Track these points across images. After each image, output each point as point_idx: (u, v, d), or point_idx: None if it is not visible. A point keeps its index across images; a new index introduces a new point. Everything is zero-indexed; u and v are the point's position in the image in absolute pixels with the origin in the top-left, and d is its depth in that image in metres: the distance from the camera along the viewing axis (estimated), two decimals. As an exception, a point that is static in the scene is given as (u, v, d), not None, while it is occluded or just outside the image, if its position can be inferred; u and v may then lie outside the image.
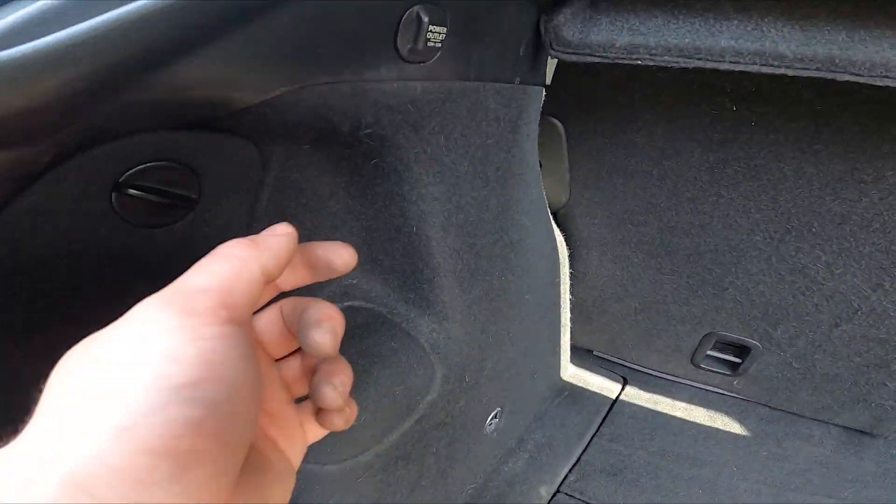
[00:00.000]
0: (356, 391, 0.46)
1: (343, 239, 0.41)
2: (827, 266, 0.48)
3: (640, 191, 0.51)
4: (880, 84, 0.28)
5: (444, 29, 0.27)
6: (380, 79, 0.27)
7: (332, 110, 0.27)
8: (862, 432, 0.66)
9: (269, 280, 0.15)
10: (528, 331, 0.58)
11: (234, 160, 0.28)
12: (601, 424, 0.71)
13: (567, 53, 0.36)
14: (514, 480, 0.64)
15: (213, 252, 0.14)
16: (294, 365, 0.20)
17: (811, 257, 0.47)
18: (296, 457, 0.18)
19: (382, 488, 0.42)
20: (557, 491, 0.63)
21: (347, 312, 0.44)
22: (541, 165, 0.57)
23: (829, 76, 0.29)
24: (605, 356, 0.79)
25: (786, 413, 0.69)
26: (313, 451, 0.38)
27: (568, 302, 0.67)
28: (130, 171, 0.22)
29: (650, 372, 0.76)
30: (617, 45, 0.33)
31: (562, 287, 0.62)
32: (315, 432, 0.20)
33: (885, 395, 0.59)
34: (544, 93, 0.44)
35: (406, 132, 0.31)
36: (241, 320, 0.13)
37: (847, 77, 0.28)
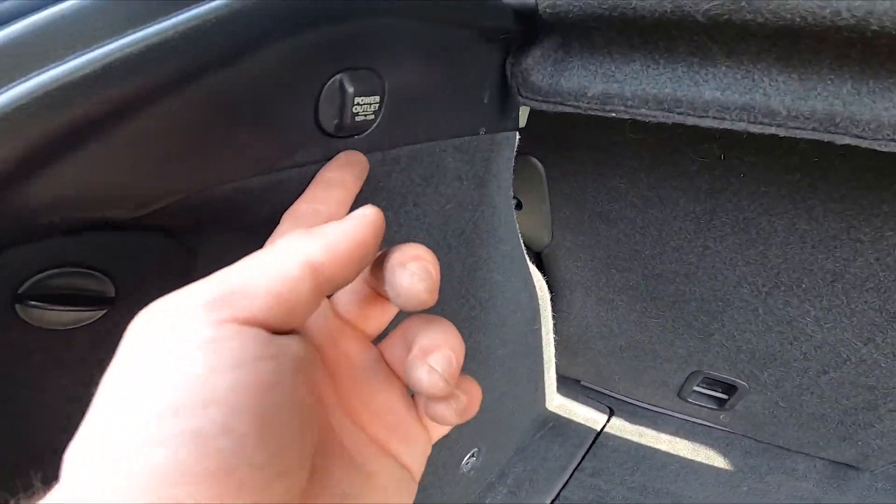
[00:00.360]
0: None
1: None
2: (816, 320, 0.45)
3: (624, 237, 0.48)
4: (884, 149, 0.24)
5: (376, 98, 0.23)
6: (303, 162, 0.23)
7: (252, 205, 0.23)
8: (848, 466, 0.65)
9: (326, 278, 0.11)
10: (505, 378, 0.55)
11: (150, 254, 0.24)
12: (583, 458, 0.70)
13: (537, 101, 0.32)
14: (494, 518, 0.63)
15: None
16: (398, 344, 0.16)
17: (800, 311, 0.45)
18: (415, 460, 0.15)
19: None
20: (537, 529, 0.62)
21: None
22: (521, 206, 0.54)
23: (828, 138, 0.24)
24: (592, 387, 0.77)
25: (771, 446, 0.68)
26: None
27: (552, 340, 0.65)
28: (29, 282, 0.19)
29: (637, 403, 0.75)
30: (589, 94, 0.29)
31: (544, 329, 0.59)
32: (439, 428, 0.16)
33: (873, 434, 0.57)
34: (518, 135, 0.40)
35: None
36: (257, 320, 0.10)
37: (847, 140, 0.24)
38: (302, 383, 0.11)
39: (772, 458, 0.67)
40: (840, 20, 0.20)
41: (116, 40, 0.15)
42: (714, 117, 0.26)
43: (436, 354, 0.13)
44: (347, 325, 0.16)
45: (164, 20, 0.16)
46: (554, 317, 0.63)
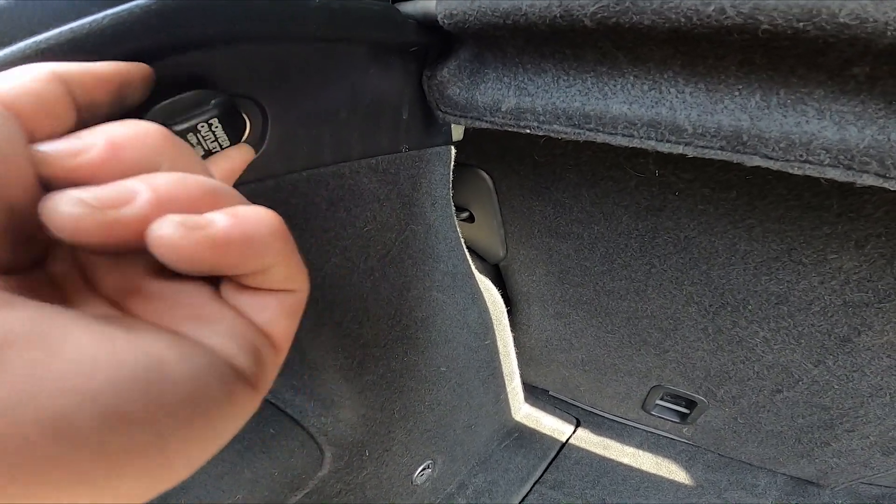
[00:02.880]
0: (232, 473, 0.41)
1: None
2: (765, 341, 0.44)
3: (573, 253, 0.47)
4: (797, 172, 0.22)
5: (249, 128, 0.22)
6: None
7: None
8: (808, 482, 0.64)
9: (77, 86, 0.12)
10: (454, 392, 0.54)
11: None
12: (546, 470, 0.69)
13: (455, 116, 0.30)
14: (451, 530, 0.62)
15: None
16: None
17: (748, 332, 0.44)
18: (228, 346, 0.11)
19: None
20: (492, 542, 0.61)
21: None
22: (473, 218, 0.52)
23: (736, 159, 0.22)
24: (560, 397, 0.77)
25: (733, 461, 0.67)
26: None
27: (512, 352, 0.63)
28: None
29: (603, 414, 0.74)
30: (503, 109, 0.28)
31: (500, 342, 0.58)
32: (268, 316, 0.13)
33: (830, 453, 0.57)
34: (454, 149, 0.39)
35: None
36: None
37: (757, 161, 0.22)
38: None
39: (732, 474, 0.66)
40: (727, 19, 0.18)
41: None
42: (623, 134, 0.25)
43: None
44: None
45: None
46: (514, 329, 0.62)
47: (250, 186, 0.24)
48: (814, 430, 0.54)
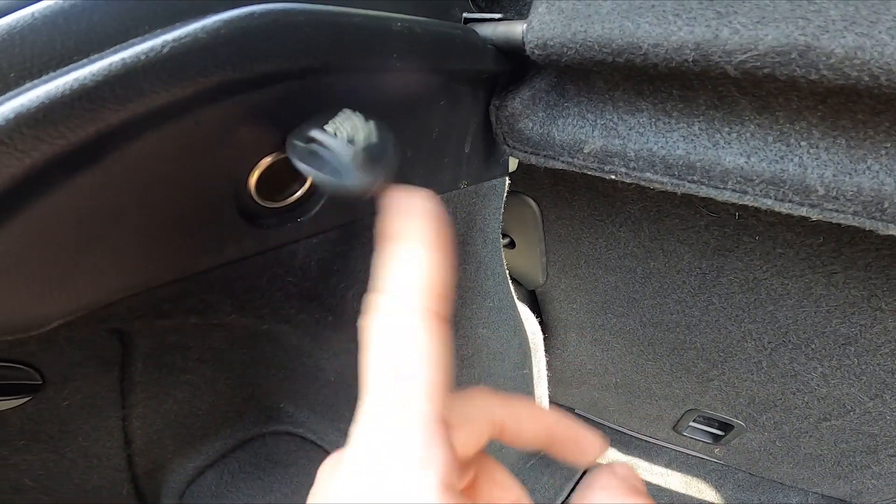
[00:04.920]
0: None
1: (250, 377, 0.35)
2: (823, 376, 0.43)
3: (622, 285, 0.45)
4: None
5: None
6: (229, 260, 0.19)
7: (173, 309, 0.19)
8: (842, 501, 0.65)
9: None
10: None
11: (79, 344, 0.21)
12: (572, 490, 0.69)
13: (525, 153, 0.28)
14: (481, 557, 0.62)
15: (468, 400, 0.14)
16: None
17: (806, 367, 0.43)
18: None
19: None
20: (524, 567, 0.61)
21: (273, 439, 0.38)
22: (514, 244, 0.50)
23: (869, 226, 0.20)
24: (587, 416, 0.76)
25: (764, 480, 0.67)
26: None
27: (545, 377, 0.62)
28: None
29: (632, 434, 0.74)
30: (586, 151, 0.25)
31: (535, 369, 0.57)
32: None
33: (869, 475, 0.56)
34: (508, 179, 0.36)
35: (295, 303, 0.24)
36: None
37: (894, 230, 0.20)
38: None
39: (764, 493, 0.67)
40: (818, 70, 0.16)
41: None
42: (734, 190, 0.22)
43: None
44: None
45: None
46: (547, 352, 0.60)
47: (312, 241, 0.22)
48: (856, 454, 0.54)
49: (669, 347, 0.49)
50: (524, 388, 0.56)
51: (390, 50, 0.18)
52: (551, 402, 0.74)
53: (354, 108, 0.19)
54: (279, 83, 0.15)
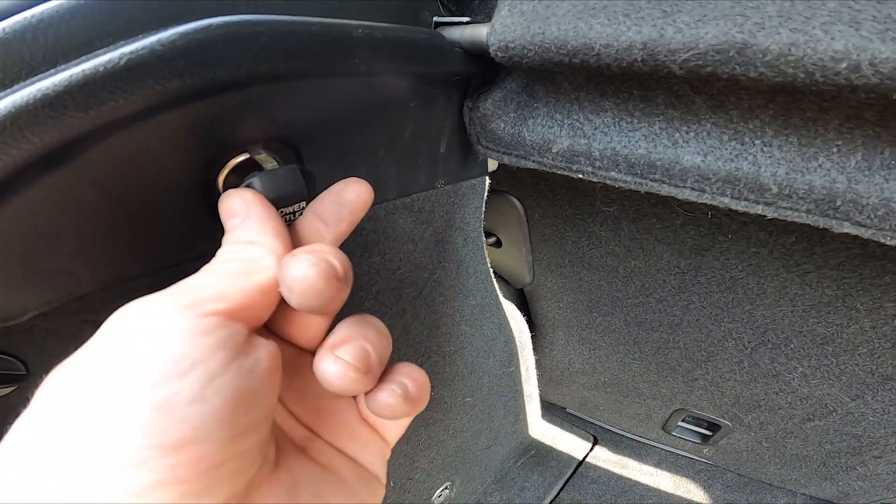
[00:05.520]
0: None
1: None
2: (803, 376, 0.43)
3: (606, 284, 0.45)
4: (890, 243, 0.20)
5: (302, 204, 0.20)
6: (199, 254, 0.20)
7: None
8: (828, 502, 0.65)
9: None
10: (477, 419, 0.54)
11: (61, 335, 0.22)
12: (562, 488, 0.70)
13: (498, 152, 0.28)
14: (468, 550, 0.63)
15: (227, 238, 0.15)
16: None
17: (787, 367, 0.43)
18: (372, 461, 0.16)
19: None
20: (510, 563, 0.62)
21: None
22: (500, 244, 0.51)
23: (823, 223, 0.21)
24: (578, 414, 0.76)
25: (752, 481, 0.68)
26: None
27: (533, 375, 0.63)
28: None
29: (620, 432, 0.74)
30: (554, 150, 0.26)
31: (523, 367, 0.57)
32: (393, 429, 0.17)
33: (855, 476, 0.57)
34: (488, 179, 0.37)
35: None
36: (241, 313, 0.13)
37: (848, 228, 0.20)
38: (271, 378, 0.13)
39: (752, 493, 0.67)
40: (859, 78, 0.16)
41: None
42: (692, 188, 0.23)
43: (345, 346, 0.14)
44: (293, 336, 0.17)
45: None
46: (536, 351, 0.61)
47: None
48: (841, 455, 0.54)
49: (654, 347, 0.50)
50: (511, 385, 0.57)
51: (352, 55, 0.19)
52: (542, 400, 0.74)
53: (323, 111, 0.20)
54: (244, 88, 0.16)
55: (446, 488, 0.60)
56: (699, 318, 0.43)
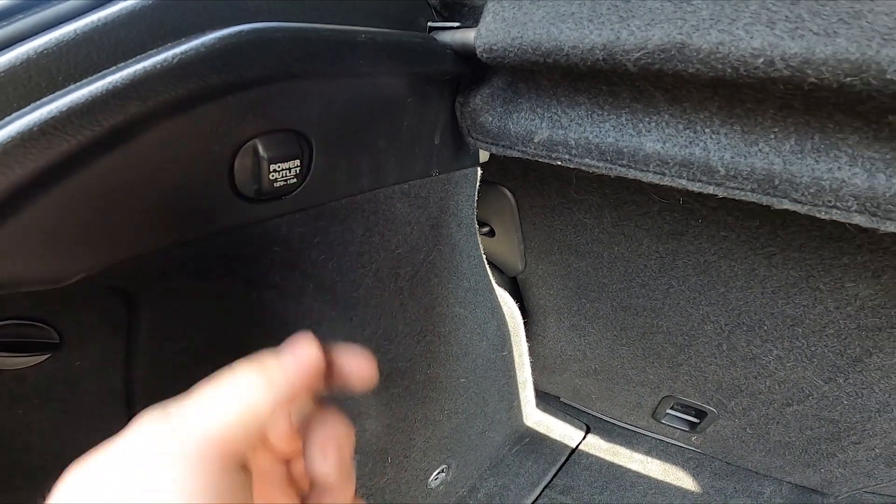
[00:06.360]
0: None
1: (240, 349, 0.39)
2: (778, 359, 0.46)
3: (592, 270, 0.49)
4: (824, 216, 0.23)
5: (296, 162, 0.24)
6: (222, 227, 0.23)
7: (178, 268, 0.24)
8: (813, 490, 0.67)
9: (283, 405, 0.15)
10: (472, 401, 0.57)
11: (92, 306, 0.25)
12: (555, 475, 0.72)
13: (486, 143, 0.32)
14: (462, 532, 0.65)
15: (223, 380, 0.15)
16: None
17: (762, 350, 0.46)
18: None
19: None
20: (502, 544, 0.64)
21: None
22: (494, 233, 0.54)
23: (766, 201, 0.24)
24: (571, 404, 0.79)
25: (739, 469, 0.70)
26: None
27: (526, 362, 0.66)
28: None
29: (612, 421, 0.77)
30: (536, 140, 0.29)
31: (516, 352, 0.60)
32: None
33: (836, 463, 0.59)
34: (480, 170, 0.40)
35: (278, 270, 0.28)
36: (237, 456, 0.14)
37: (787, 204, 0.23)
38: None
39: (739, 481, 0.69)
40: (774, 71, 0.19)
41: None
42: (654, 172, 0.26)
43: (332, 443, 0.16)
44: (268, 445, 0.18)
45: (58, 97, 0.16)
46: (529, 339, 0.64)
47: (294, 216, 0.26)
48: (821, 441, 0.56)
49: (639, 332, 0.53)
50: (504, 370, 0.60)
51: (356, 57, 0.23)
52: (537, 390, 0.77)
53: (331, 106, 0.24)
54: (265, 85, 0.20)
55: (442, 471, 0.63)
56: (679, 301, 0.46)
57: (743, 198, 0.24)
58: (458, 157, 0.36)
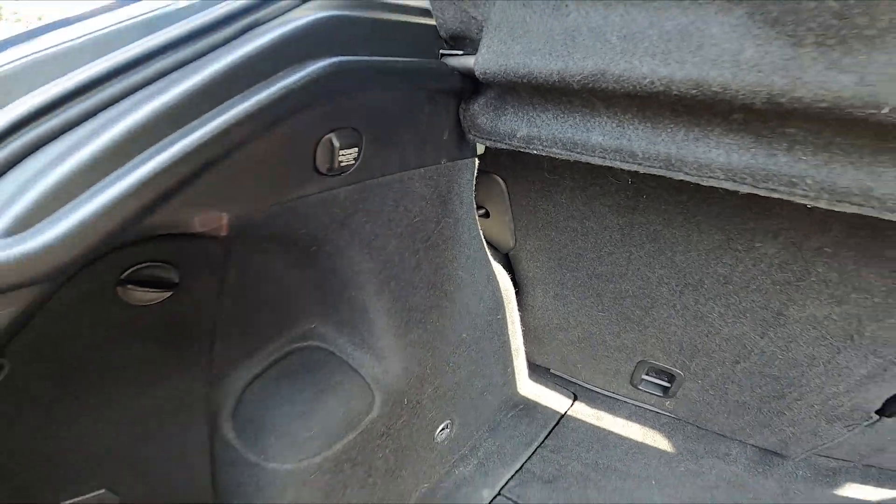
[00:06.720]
0: (310, 413, 0.57)
1: (298, 295, 0.52)
2: (721, 315, 0.57)
3: (570, 242, 0.60)
4: (706, 184, 0.35)
5: (355, 150, 0.36)
6: (303, 195, 0.36)
7: (272, 223, 0.36)
8: (773, 453, 0.75)
9: None
10: (472, 359, 0.67)
11: (202, 253, 0.38)
12: (547, 436, 0.81)
13: (482, 139, 0.45)
14: (462, 483, 0.74)
15: None
16: None
17: (707, 308, 0.57)
18: None
19: (333, 484, 0.53)
20: (498, 494, 0.73)
21: (306, 352, 0.54)
22: (489, 215, 0.66)
23: (670, 174, 0.36)
24: (559, 374, 0.89)
25: (710, 432, 0.79)
26: (272, 452, 0.50)
27: (518, 330, 0.76)
28: (127, 272, 0.32)
29: (597, 390, 0.86)
30: (518, 136, 0.42)
31: (508, 319, 0.71)
32: None
33: (786, 422, 0.68)
34: (477, 161, 0.53)
35: (334, 228, 0.41)
36: None
37: (682, 176, 0.35)
38: None
39: (708, 444, 0.78)
40: (655, 88, 0.31)
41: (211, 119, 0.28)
42: (600, 157, 0.38)
43: None
44: None
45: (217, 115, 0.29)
46: (521, 310, 0.75)
47: (347, 189, 0.39)
48: (770, 400, 0.66)
49: (611, 297, 0.64)
50: (498, 332, 0.71)
51: (394, 79, 0.36)
52: (529, 362, 0.87)
53: (377, 111, 0.37)
54: (340, 99, 0.33)
55: (447, 427, 0.72)
56: (639, 266, 0.57)
57: (655, 172, 0.36)
58: (461, 149, 0.49)
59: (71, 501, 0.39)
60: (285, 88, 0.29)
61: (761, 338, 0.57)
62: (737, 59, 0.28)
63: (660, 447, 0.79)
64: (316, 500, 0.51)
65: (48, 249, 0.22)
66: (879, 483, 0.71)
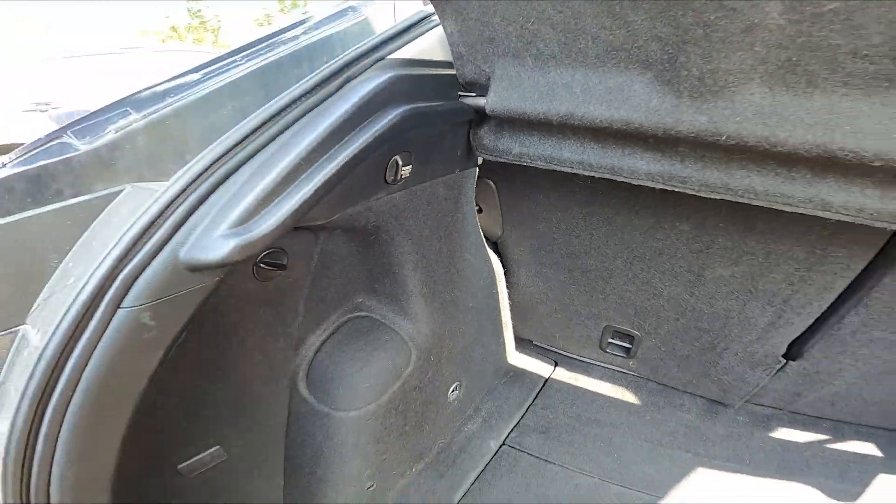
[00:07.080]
0: (367, 367, 0.74)
1: (354, 274, 0.68)
2: (660, 280, 0.75)
3: (547, 231, 0.78)
4: (637, 184, 0.54)
5: (410, 167, 0.53)
6: (377, 198, 0.52)
7: (353, 218, 0.52)
8: (717, 402, 0.93)
9: None
10: (474, 327, 0.83)
11: (302, 241, 0.53)
12: (536, 396, 0.97)
13: (486, 154, 0.62)
14: (472, 437, 0.89)
15: None
16: None
17: (650, 275, 0.75)
18: None
19: (381, 430, 0.67)
20: (503, 444, 0.87)
21: (358, 320, 0.71)
22: (482, 210, 0.83)
23: (614, 178, 0.54)
24: (541, 345, 1.05)
25: (666, 387, 0.96)
26: (340, 401, 0.65)
27: (507, 306, 0.93)
28: (261, 255, 0.47)
29: (572, 356, 1.03)
30: (513, 153, 0.60)
31: (500, 296, 0.88)
32: None
33: (721, 371, 0.86)
34: (478, 169, 0.70)
35: (391, 221, 0.58)
36: None
37: (622, 179, 0.54)
38: None
39: (666, 397, 0.96)
40: (603, 125, 0.50)
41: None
42: (568, 167, 0.57)
43: None
44: None
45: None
46: (508, 288, 0.91)
47: (401, 193, 0.55)
48: (706, 352, 0.84)
49: (580, 271, 0.82)
50: (493, 305, 0.87)
51: (439, 118, 0.54)
52: (516, 336, 1.03)
53: (423, 139, 0.54)
54: (406, 134, 0.50)
55: (457, 388, 0.87)
56: (599, 245, 0.75)
57: (605, 177, 0.55)
58: (469, 161, 0.67)
59: (193, 459, 0.50)
60: (379, 131, 0.46)
61: (690, 296, 0.76)
62: (648, 105, 0.47)
63: (628, 401, 0.96)
64: (370, 444, 0.65)
65: (261, 238, 0.37)
66: (805, 428, 0.90)
